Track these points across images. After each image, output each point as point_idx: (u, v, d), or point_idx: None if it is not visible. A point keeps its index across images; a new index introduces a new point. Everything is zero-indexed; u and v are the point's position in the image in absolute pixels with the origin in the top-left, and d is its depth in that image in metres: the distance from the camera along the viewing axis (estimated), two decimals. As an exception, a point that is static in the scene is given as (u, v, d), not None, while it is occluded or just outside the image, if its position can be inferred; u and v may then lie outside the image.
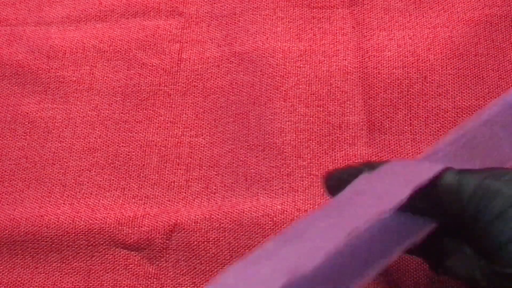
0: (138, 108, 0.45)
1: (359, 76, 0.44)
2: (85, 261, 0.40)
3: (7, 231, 0.40)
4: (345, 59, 0.44)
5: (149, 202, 0.42)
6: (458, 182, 0.27)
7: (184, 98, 0.45)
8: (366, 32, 0.45)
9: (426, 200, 0.28)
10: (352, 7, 0.46)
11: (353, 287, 0.27)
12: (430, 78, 0.43)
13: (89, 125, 0.44)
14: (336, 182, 0.32)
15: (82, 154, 0.43)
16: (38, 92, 0.45)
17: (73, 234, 0.40)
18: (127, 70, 0.46)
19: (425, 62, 0.44)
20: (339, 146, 0.42)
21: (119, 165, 0.43)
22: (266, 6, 0.47)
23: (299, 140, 0.42)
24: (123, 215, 0.41)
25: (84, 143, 0.44)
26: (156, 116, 0.44)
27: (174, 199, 0.42)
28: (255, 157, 0.42)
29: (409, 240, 0.29)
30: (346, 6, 0.46)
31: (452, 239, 0.29)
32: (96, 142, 0.44)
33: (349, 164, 0.41)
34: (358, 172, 0.30)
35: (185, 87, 0.45)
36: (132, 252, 0.40)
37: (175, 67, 0.46)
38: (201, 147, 0.43)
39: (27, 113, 0.44)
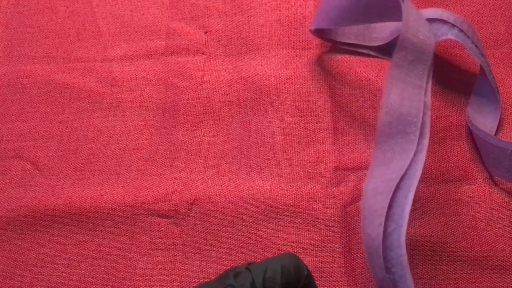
0: (173, 117, 0.48)
1: (329, 94, 0.48)
2: (130, 225, 0.43)
3: (76, 206, 0.44)
4: (319, 82, 0.48)
5: (177, 182, 0.45)
6: None
7: (205, 109, 0.48)
8: (334, 63, 0.48)
9: None
10: (323, 49, 0.50)
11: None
12: (380, 96, 0.46)
13: (139, 131, 0.47)
14: None
15: (133, 151, 0.47)
16: (103, 109, 0.49)
17: (123, 207, 0.44)
18: (166, 91, 0.49)
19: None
20: (313, 144, 0.46)
21: (158, 158, 0.46)
22: (263, 47, 0.50)
23: (285, 141, 0.46)
24: (158, 192, 0.44)
25: (134, 144, 0.47)
26: (185, 122, 0.48)
27: (195, 180, 0.45)
28: (253, 152, 0.46)
29: None
30: (318, 48, 0.50)
31: None
32: (143, 143, 0.47)
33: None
34: None
35: (206, 101, 0.48)
36: (164, 219, 0.44)
37: (199, 87, 0.49)
38: (216, 144, 0.46)
39: (96, 124, 0.48)
